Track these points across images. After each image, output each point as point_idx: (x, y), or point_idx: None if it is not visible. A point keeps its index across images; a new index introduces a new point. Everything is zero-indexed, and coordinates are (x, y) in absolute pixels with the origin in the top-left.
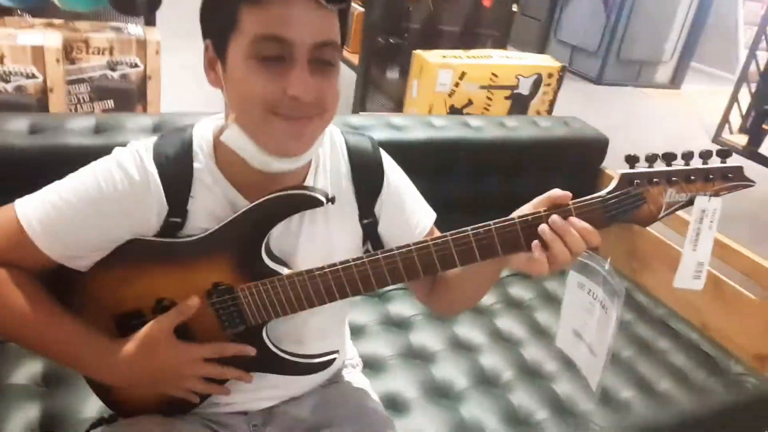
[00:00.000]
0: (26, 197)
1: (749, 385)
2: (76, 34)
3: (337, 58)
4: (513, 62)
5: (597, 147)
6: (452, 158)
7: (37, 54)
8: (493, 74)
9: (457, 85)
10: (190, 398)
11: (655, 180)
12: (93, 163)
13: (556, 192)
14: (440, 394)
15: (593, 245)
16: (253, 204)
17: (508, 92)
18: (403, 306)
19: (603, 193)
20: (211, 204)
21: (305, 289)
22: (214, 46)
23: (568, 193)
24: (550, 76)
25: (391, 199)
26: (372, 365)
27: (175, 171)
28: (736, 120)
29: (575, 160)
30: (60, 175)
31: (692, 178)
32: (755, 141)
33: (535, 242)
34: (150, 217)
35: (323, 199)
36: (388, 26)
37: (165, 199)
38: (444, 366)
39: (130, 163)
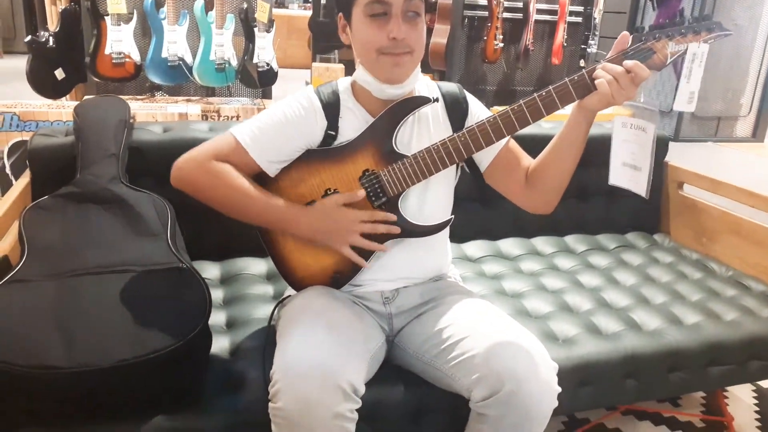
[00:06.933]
0: (239, 124)
1: None
2: (209, 106)
3: (421, 10)
4: None
5: (660, 144)
6: None
7: (182, 119)
8: None
9: None
10: (354, 258)
11: (657, 35)
12: (280, 102)
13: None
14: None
15: (640, 74)
16: (385, 110)
17: None
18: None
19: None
20: (353, 121)
21: (425, 161)
22: (344, 16)
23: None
24: None
25: (474, 120)
26: None
27: (330, 101)
28: None
29: None
30: None
31: (683, 32)
32: None
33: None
34: (317, 130)
35: (431, 98)
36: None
37: (325, 118)
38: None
39: (303, 99)
